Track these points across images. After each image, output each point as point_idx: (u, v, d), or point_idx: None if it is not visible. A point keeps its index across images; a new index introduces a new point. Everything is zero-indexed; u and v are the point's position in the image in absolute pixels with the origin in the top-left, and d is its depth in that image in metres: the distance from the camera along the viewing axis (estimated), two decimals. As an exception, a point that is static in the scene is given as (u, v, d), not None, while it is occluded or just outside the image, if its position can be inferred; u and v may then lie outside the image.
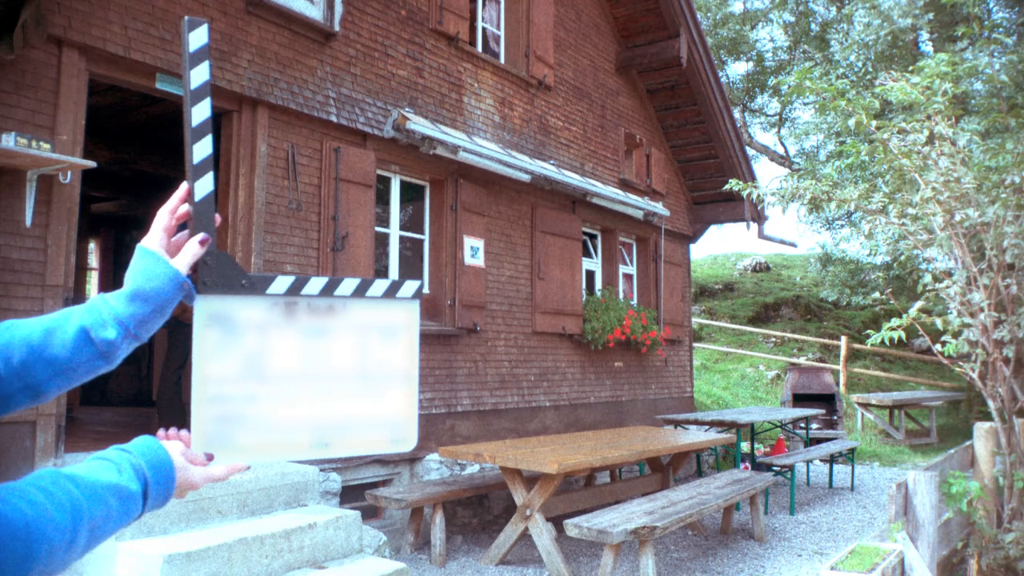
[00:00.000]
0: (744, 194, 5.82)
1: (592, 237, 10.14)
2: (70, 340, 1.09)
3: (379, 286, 1.29)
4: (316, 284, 1.25)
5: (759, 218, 11.95)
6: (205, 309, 1.19)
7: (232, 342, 1.19)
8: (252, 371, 1.20)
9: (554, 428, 8.62)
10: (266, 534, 4.19)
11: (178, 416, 7.04)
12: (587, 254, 9.95)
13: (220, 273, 1.19)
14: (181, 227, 1.22)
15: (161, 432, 1.18)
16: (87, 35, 4.76)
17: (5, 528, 0.84)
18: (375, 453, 1.33)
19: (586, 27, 9.78)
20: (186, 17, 1.20)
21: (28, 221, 4.48)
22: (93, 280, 11.09)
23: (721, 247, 51.25)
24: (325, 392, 1.24)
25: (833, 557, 4.26)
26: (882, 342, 4.82)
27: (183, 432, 1.19)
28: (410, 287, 1.32)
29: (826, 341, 17.24)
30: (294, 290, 1.23)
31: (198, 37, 1.20)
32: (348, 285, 1.27)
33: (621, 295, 10.26)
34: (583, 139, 9.51)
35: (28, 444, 4.46)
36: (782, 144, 24.01)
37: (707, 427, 8.95)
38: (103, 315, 1.11)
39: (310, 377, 1.24)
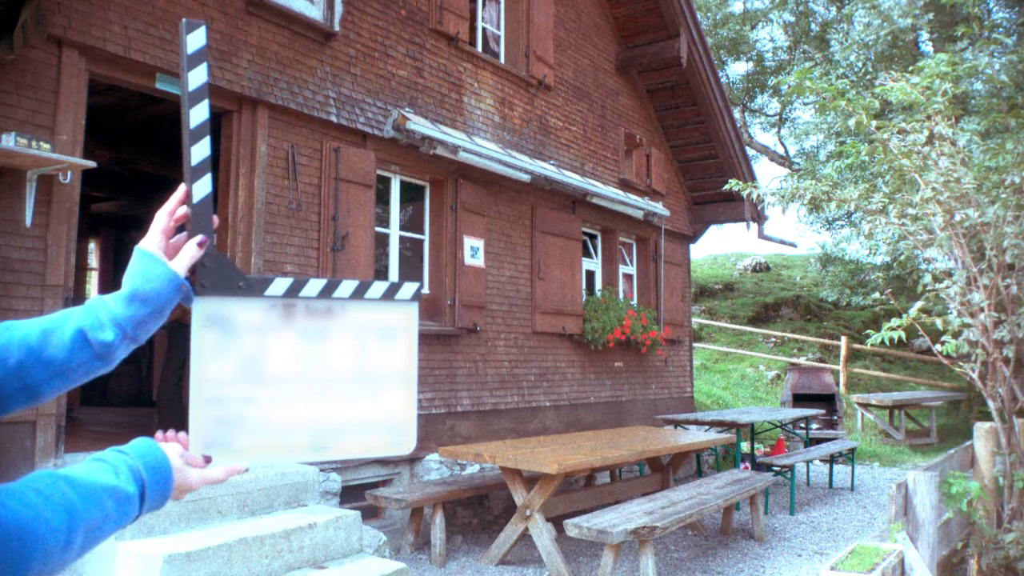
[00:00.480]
0: (744, 194, 5.82)
1: (592, 237, 10.14)
2: (67, 341, 1.09)
3: (377, 288, 1.29)
4: (315, 286, 1.24)
5: (759, 218, 11.95)
6: (203, 311, 1.18)
7: (230, 344, 1.19)
8: (250, 373, 1.20)
9: (554, 428, 8.62)
10: (266, 534, 4.19)
11: (178, 417, 7.04)
12: (587, 254, 9.95)
13: (218, 275, 1.19)
14: (179, 229, 1.22)
15: (159, 434, 1.18)
16: (87, 35, 4.76)
17: (1, 529, 0.84)
18: (374, 456, 1.33)
19: (586, 27, 9.78)
20: (184, 19, 1.20)
21: (28, 221, 4.48)
22: (93, 280, 11.09)
23: (721, 247, 51.25)
24: (323, 394, 1.24)
25: (833, 557, 4.26)
26: (882, 342, 4.82)
27: (181, 434, 1.19)
28: (408, 289, 1.31)
29: (826, 341, 17.24)
30: (292, 292, 1.23)
31: (196, 39, 1.20)
32: (347, 287, 1.27)
33: (621, 295, 10.26)
34: (583, 139, 9.51)
35: (28, 444, 4.46)
36: (782, 144, 24.01)
37: (707, 427, 8.95)
38: (100, 317, 1.10)
39: (308, 379, 1.23)
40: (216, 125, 5.97)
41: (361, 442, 1.27)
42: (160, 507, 1.11)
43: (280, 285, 1.22)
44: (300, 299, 1.24)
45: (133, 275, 1.14)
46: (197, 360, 1.18)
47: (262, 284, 1.21)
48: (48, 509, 0.90)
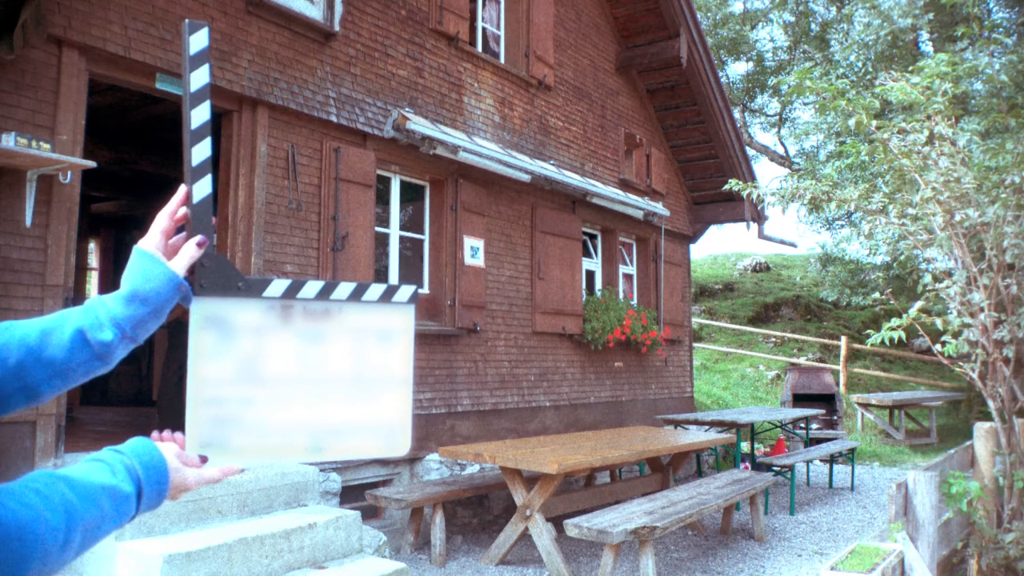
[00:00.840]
0: (744, 194, 5.82)
1: (592, 237, 10.14)
2: (67, 341, 1.09)
3: (375, 290, 1.29)
4: (312, 288, 1.24)
5: (759, 218, 11.95)
6: (201, 311, 1.19)
7: (228, 344, 1.19)
8: (248, 374, 1.20)
9: (554, 428, 8.62)
10: (266, 534, 4.19)
11: (179, 416, 7.00)
12: (587, 254, 9.95)
13: (217, 275, 1.19)
14: (179, 230, 1.22)
15: (155, 434, 1.18)
16: (87, 35, 4.76)
17: (1, 530, 0.84)
18: (370, 457, 1.33)
19: (586, 27, 9.78)
20: (187, 20, 1.20)
21: (28, 221, 4.48)
22: (93, 280, 11.09)
23: (721, 247, 51.24)
24: (320, 396, 1.24)
25: (833, 557, 4.26)
26: (882, 342, 4.82)
27: (177, 434, 1.19)
28: (405, 292, 1.31)
29: (826, 341, 17.24)
30: (290, 293, 1.23)
31: (199, 40, 1.20)
32: (344, 289, 1.27)
33: (621, 295, 10.26)
34: (583, 139, 9.51)
35: (28, 444, 4.46)
36: (782, 144, 24.01)
37: (707, 427, 8.95)
38: (100, 317, 1.10)
39: (306, 381, 1.23)
40: (216, 125, 5.97)
41: (357, 444, 1.27)
42: (156, 506, 1.11)
43: (278, 286, 1.22)
44: (298, 300, 1.24)
45: (132, 275, 1.14)
46: (195, 360, 1.18)
47: (260, 285, 1.22)
48: (47, 509, 0.90)
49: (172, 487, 1.12)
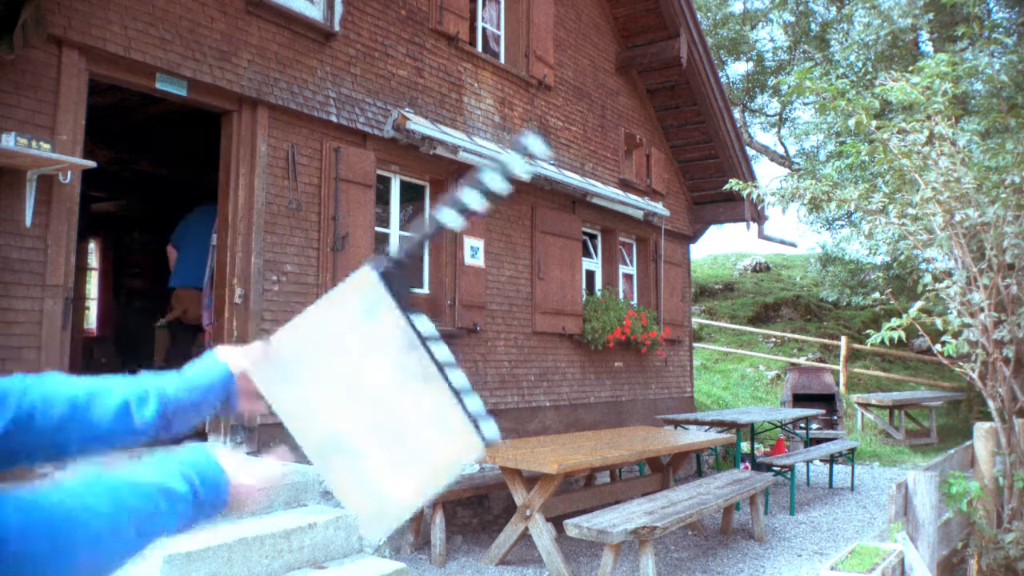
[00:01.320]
0: (744, 194, 5.82)
1: (592, 237, 10.14)
2: (113, 409, 1.13)
3: (475, 402, 1.29)
4: (441, 352, 1.27)
5: (759, 218, 11.94)
6: (372, 285, 1.24)
7: (357, 323, 1.24)
8: (339, 354, 1.23)
9: (554, 428, 8.62)
10: (266, 534, 4.19)
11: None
12: (587, 254, 9.95)
13: (399, 276, 1.26)
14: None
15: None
16: (87, 35, 4.76)
17: (42, 519, 0.87)
18: (346, 507, 1.33)
19: (586, 27, 9.78)
20: (528, 127, 1.28)
21: (28, 221, 4.48)
22: (93, 280, 11.08)
23: (721, 247, 51.22)
24: (366, 430, 1.23)
25: (833, 557, 4.26)
26: (882, 342, 4.82)
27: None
28: (492, 430, 1.30)
29: (826, 341, 17.23)
30: (424, 340, 1.26)
31: (535, 144, 1.27)
32: (459, 378, 1.28)
33: (621, 295, 10.26)
34: (583, 139, 9.50)
35: (28, 444, 4.45)
36: (782, 144, 24.01)
37: (707, 427, 8.95)
38: (148, 391, 1.17)
39: (366, 402, 1.24)
40: (216, 125, 5.98)
41: (352, 489, 1.25)
42: (220, 508, 1.11)
43: (423, 324, 1.26)
44: (424, 350, 1.25)
45: (198, 370, 1.25)
46: (330, 304, 1.23)
47: (414, 310, 1.26)
48: (91, 496, 0.94)
49: (234, 489, 1.12)
